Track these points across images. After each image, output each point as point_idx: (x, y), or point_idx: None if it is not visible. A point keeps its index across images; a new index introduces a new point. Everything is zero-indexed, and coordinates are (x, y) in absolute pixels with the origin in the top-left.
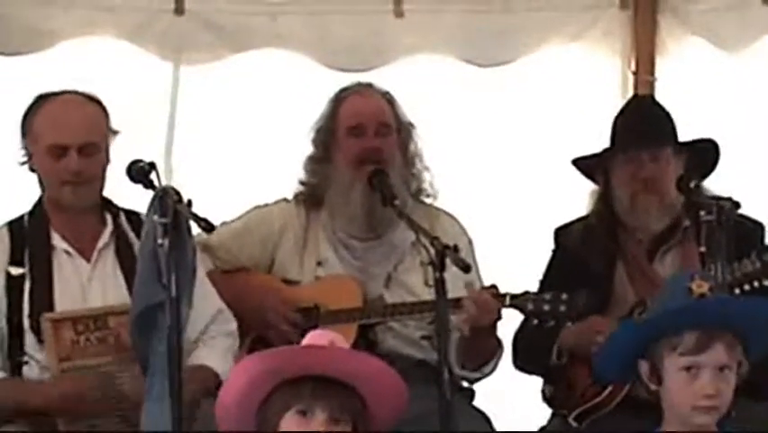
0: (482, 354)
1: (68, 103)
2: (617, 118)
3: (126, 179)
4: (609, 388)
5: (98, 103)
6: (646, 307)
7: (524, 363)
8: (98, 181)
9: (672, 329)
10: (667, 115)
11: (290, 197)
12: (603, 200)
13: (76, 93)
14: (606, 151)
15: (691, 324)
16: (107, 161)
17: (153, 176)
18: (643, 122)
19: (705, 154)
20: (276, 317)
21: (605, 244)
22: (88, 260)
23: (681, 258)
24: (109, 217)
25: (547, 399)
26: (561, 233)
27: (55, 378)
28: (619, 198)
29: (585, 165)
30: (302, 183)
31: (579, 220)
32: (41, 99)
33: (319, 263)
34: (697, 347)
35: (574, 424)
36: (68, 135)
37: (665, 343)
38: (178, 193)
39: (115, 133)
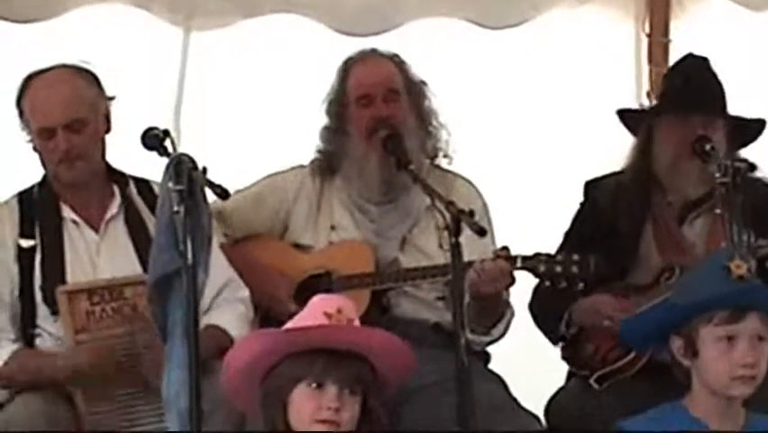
0: (490, 317)
1: (50, 82)
2: (671, 74)
3: (136, 145)
4: (634, 351)
5: (86, 73)
6: (674, 273)
7: (537, 326)
8: (94, 154)
9: (709, 309)
10: (720, 83)
11: (303, 162)
12: (641, 157)
13: (64, 67)
14: (655, 107)
15: (730, 306)
16: (106, 129)
17: (168, 143)
18: (700, 85)
19: (750, 131)
20: (281, 305)
21: (635, 203)
22: (97, 231)
23: (710, 224)
24: (116, 188)
25: (567, 358)
26: (591, 186)
27: (71, 349)
28: (661, 156)
29: (629, 118)
30: (319, 151)
31: (611, 175)
32: (28, 80)
33: (333, 228)
34: (733, 317)
35: (596, 386)
36: (51, 117)
37: (699, 316)
38: (192, 160)
39: (111, 98)
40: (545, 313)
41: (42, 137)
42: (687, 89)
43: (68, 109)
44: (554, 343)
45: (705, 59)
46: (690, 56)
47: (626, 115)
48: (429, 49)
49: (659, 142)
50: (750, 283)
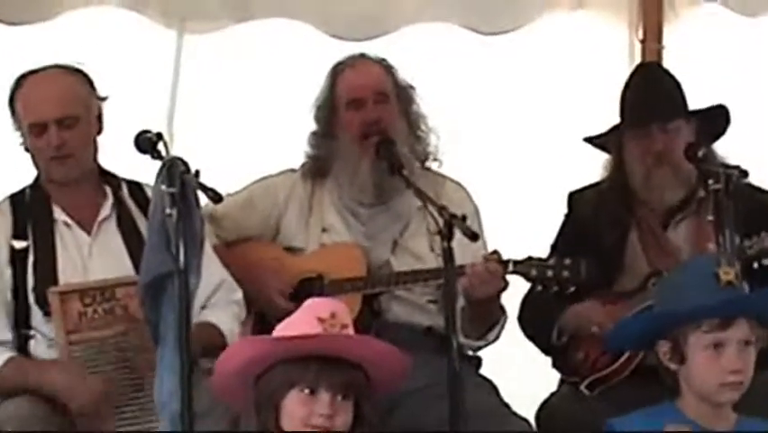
0: (485, 322)
1: (43, 79)
2: (624, 91)
3: (129, 148)
4: (623, 357)
5: (79, 73)
6: (661, 277)
7: (527, 336)
8: (85, 152)
9: (699, 318)
10: (676, 83)
11: (294, 167)
12: (617, 171)
13: (56, 66)
14: (616, 126)
15: (720, 314)
16: (98, 129)
17: (161, 146)
18: (650, 94)
19: (715, 120)
20: (277, 303)
21: (618, 212)
22: (89, 233)
23: (695, 228)
24: (109, 190)
25: (558, 366)
26: (574, 198)
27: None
28: (633, 172)
29: (597, 140)
30: (308, 157)
31: (593, 186)
32: (21, 79)
33: (324, 230)
34: (722, 324)
35: (586, 392)
36: (43, 112)
37: (688, 323)
38: (185, 163)
39: (103, 99)
40: (535, 324)
41: (34, 133)
42: (640, 102)
43: (60, 105)
44: (546, 353)
45: (656, 65)
46: (641, 66)
47: (594, 139)
48: (423, 54)
49: (628, 159)
50: (739, 291)
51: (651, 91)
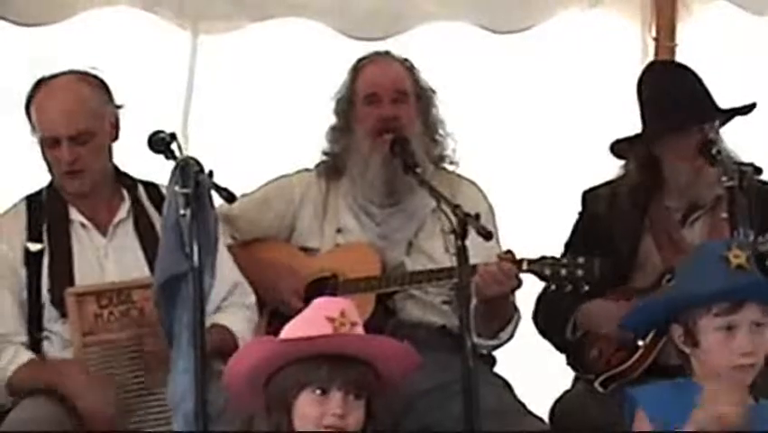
0: (497, 320)
1: (58, 91)
2: (651, 92)
3: (143, 148)
4: (637, 354)
5: (95, 80)
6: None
7: (543, 334)
8: (99, 164)
9: (709, 301)
10: (700, 83)
11: (310, 166)
12: (645, 173)
13: (72, 73)
14: (647, 132)
15: (730, 297)
16: (113, 137)
17: (174, 146)
18: (686, 98)
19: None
20: (291, 302)
21: (633, 211)
22: (105, 234)
23: (709, 225)
24: (125, 192)
25: (571, 363)
26: (588, 196)
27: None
28: (679, 172)
29: (621, 145)
30: (324, 153)
31: (607, 184)
32: (37, 86)
33: (339, 231)
34: (733, 307)
35: (600, 389)
36: (57, 127)
37: (699, 307)
38: (199, 163)
39: (119, 107)
40: (550, 321)
41: (48, 145)
42: (676, 108)
43: (72, 121)
44: (561, 350)
45: (672, 62)
46: (656, 66)
47: (616, 147)
48: (437, 53)
49: (672, 158)
50: (749, 274)
51: (685, 94)
